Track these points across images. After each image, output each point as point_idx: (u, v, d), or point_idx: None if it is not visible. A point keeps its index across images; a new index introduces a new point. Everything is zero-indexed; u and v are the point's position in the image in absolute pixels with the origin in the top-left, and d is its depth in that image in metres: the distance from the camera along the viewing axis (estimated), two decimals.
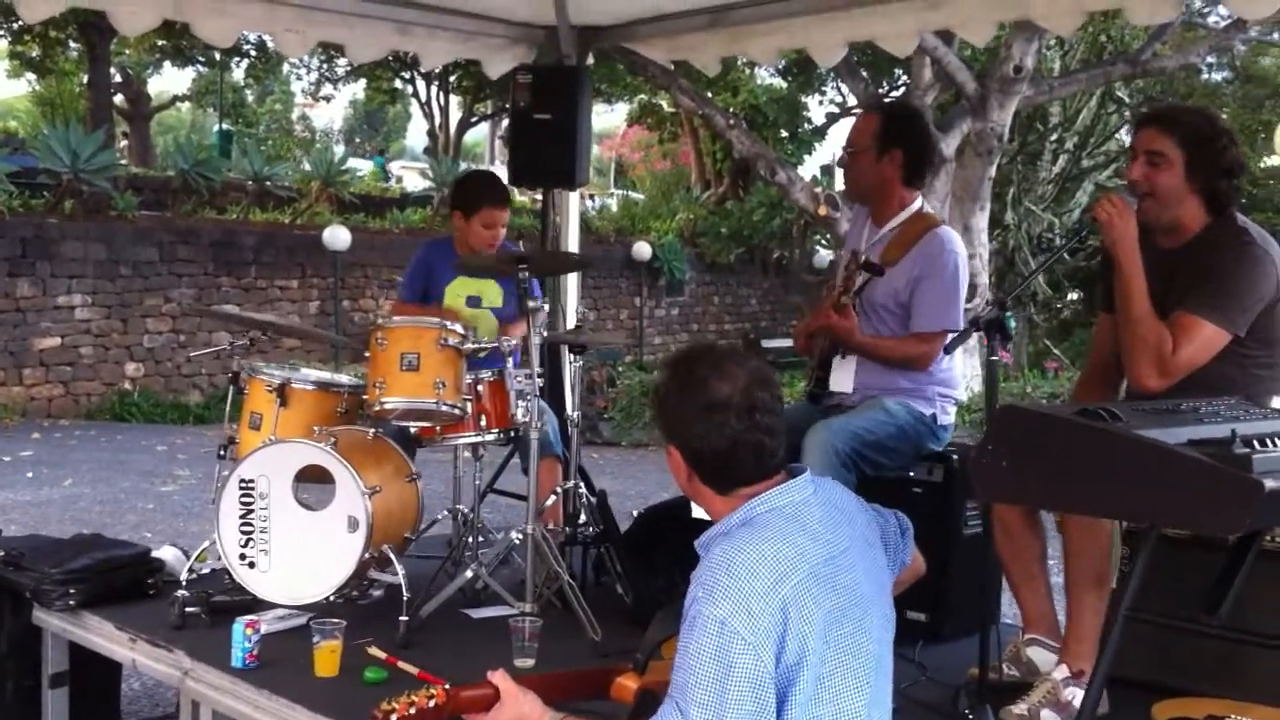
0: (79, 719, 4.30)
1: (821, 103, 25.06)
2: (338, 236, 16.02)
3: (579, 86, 5.84)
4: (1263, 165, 21.18)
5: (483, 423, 4.37)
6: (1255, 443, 2.10)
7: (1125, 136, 19.60)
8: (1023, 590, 3.71)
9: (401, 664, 3.42)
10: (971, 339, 3.75)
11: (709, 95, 17.27)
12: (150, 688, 4.93)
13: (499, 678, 2.55)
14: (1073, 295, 20.51)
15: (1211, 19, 17.16)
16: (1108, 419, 2.13)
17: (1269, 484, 1.94)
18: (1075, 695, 3.36)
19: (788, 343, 17.09)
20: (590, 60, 6.22)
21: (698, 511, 2.86)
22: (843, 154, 4.37)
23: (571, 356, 4.70)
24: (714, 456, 2.38)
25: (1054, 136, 18.17)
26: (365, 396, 4.26)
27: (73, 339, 14.26)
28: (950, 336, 4.06)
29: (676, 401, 2.43)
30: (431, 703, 2.51)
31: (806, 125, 23.69)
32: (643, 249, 19.32)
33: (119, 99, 24.46)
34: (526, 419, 4.24)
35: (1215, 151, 3.40)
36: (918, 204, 4.27)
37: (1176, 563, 2.91)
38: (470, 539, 4.48)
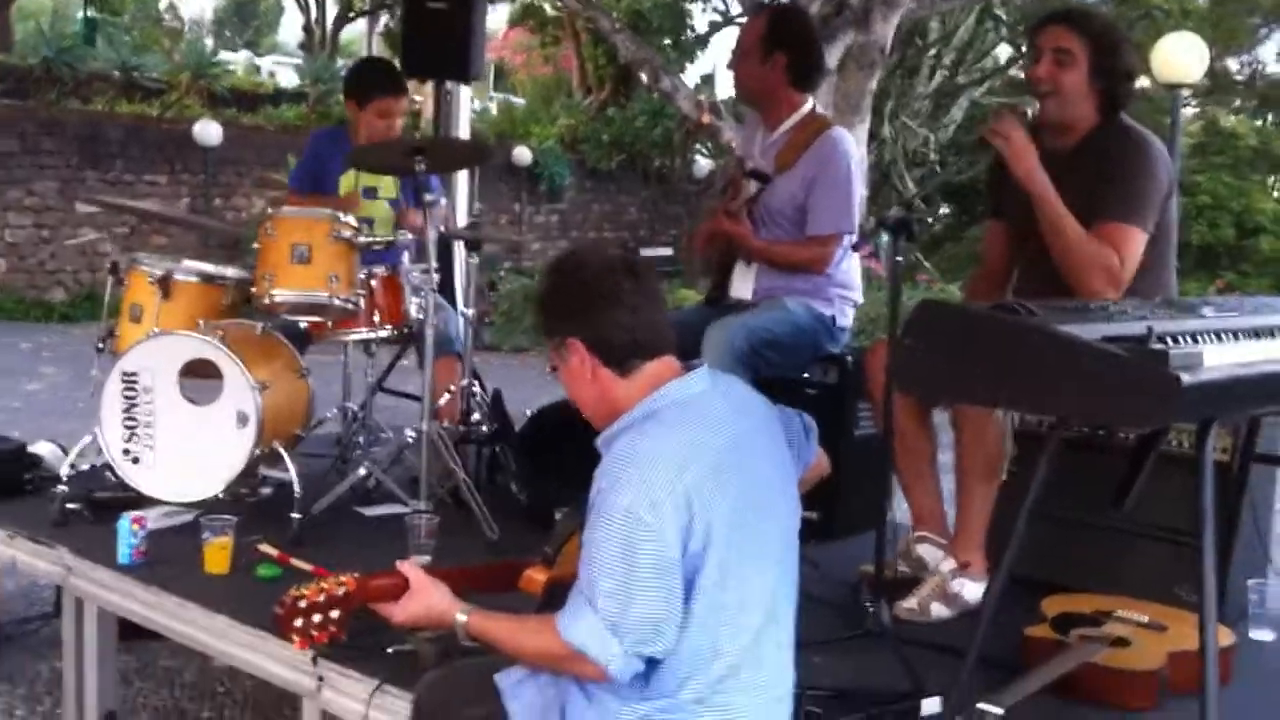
0: None
1: (705, 10, 24.79)
2: (209, 131, 15.47)
3: None
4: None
5: (376, 319, 4.29)
6: (1170, 339, 2.14)
7: (1002, 53, 19.86)
8: (913, 489, 3.77)
9: (295, 561, 3.40)
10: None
11: None
12: (26, 588, 4.78)
13: (408, 568, 2.54)
14: (944, 210, 20.82)
15: None
16: (1024, 314, 2.15)
17: (1185, 379, 1.97)
18: (963, 586, 3.47)
19: (667, 251, 17.20)
20: None
21: None
22: (730, 57, 4.35)
23: (466, 253, 4.63)
24: (616, 328, 2.37)
25: (932, 52, 18.29)
26: (253, 289, 4.14)
27: None
28: (846, 238, 4.09)
29: (569, 289, 2.43)
30: (341, 590, 2.49)
31: (690, 33, 23.46)
32: (523, 154, 19.07)
33: None
34: (421, 315, 4.16)
35: (1120, 53, 3.46)
36: (808, 106, 4.27)
37: (1071, 464, 2.96)
38: (361, 437, 4.41)
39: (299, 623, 2.45)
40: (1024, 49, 18.39)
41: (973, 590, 3.47)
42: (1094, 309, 2.40)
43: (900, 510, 3.86)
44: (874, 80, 14.10)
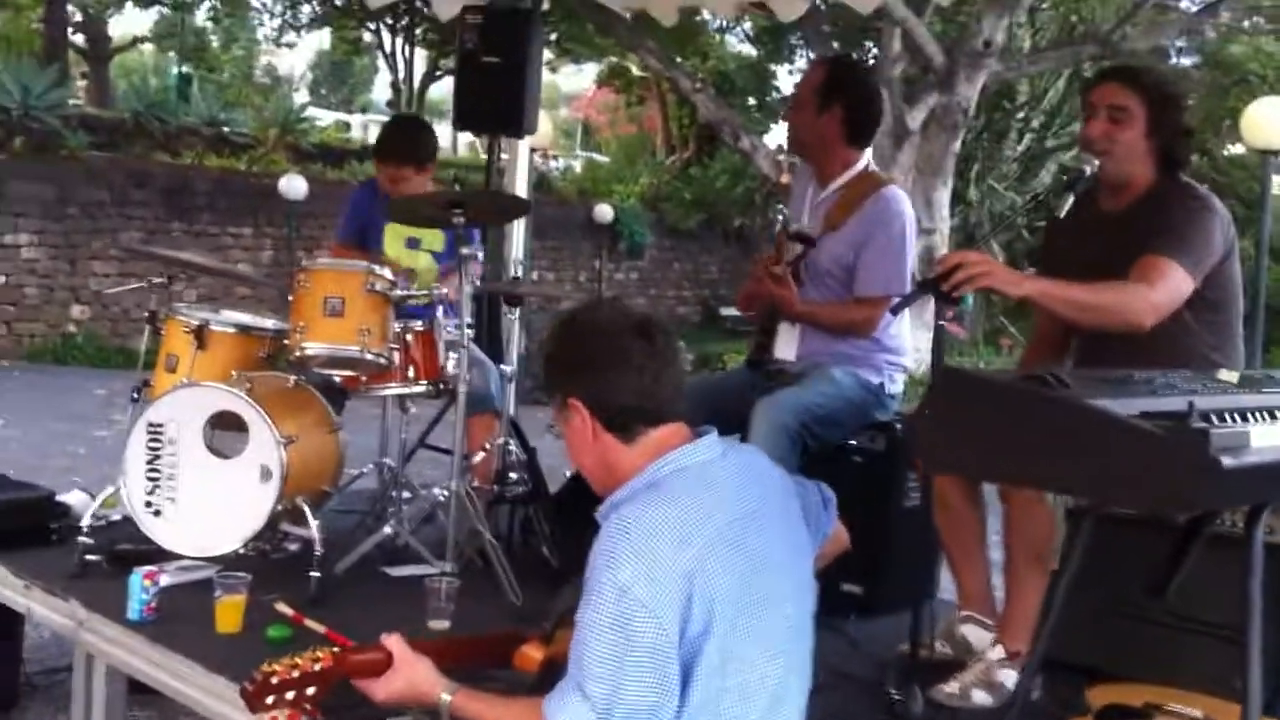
0: None
1: (791, 72, 24.83)
2: (294, 185, 15.55)
3: (531, 30, 5.61)
4: (1227, 153, 21.17)
5: (411, 374, 4.18)
6: (1214, 417, 1.94)
7: None
8: (960, 566, 3.58)
9: (308, 622, 3.28)
10: (928, 308, 3.58)
11: (677, 59, 17.06)
12: (61, 636, 4.71)
13: (392, 642, 2.40)
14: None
15: (1183, 2, 17.09)
16: (1054, 385, 1.96)
17: (1227, 461, 1.78)
18: (1009, 677, 3.25)
19: (735, 311, 17.00)
20: (545, 4, 5.99)
21: None
22: (786, 108, 4.22)
23: (507, 309, 4.52)
24: (620, 391, 2.24)
25: (1020, 114, 18.08)
26: (286, 341, 4.06)
27: (17, 278, 13.87)
28: (895, 300, 3.91)
29: (574, 346, 2.31)
30: (316, 666, 2.34)
31: (774, 94, 23.49)
32: (604, 211, 18.98)
33: (79, 39, 23.94)
34: (458, 371, 4.05)
35: (1177, 110, 3.32)
36: (863, 163, 4.11)
37: (1122, 543, 2.76)
38: (395, 494, 4.30)
39: (270, 699, 2.31)
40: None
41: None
42: (1137, 380, 2.20)
43: (950, 588, 3.67)
44: (957, 142, 13.97)
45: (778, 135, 23.65)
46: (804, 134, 4.12)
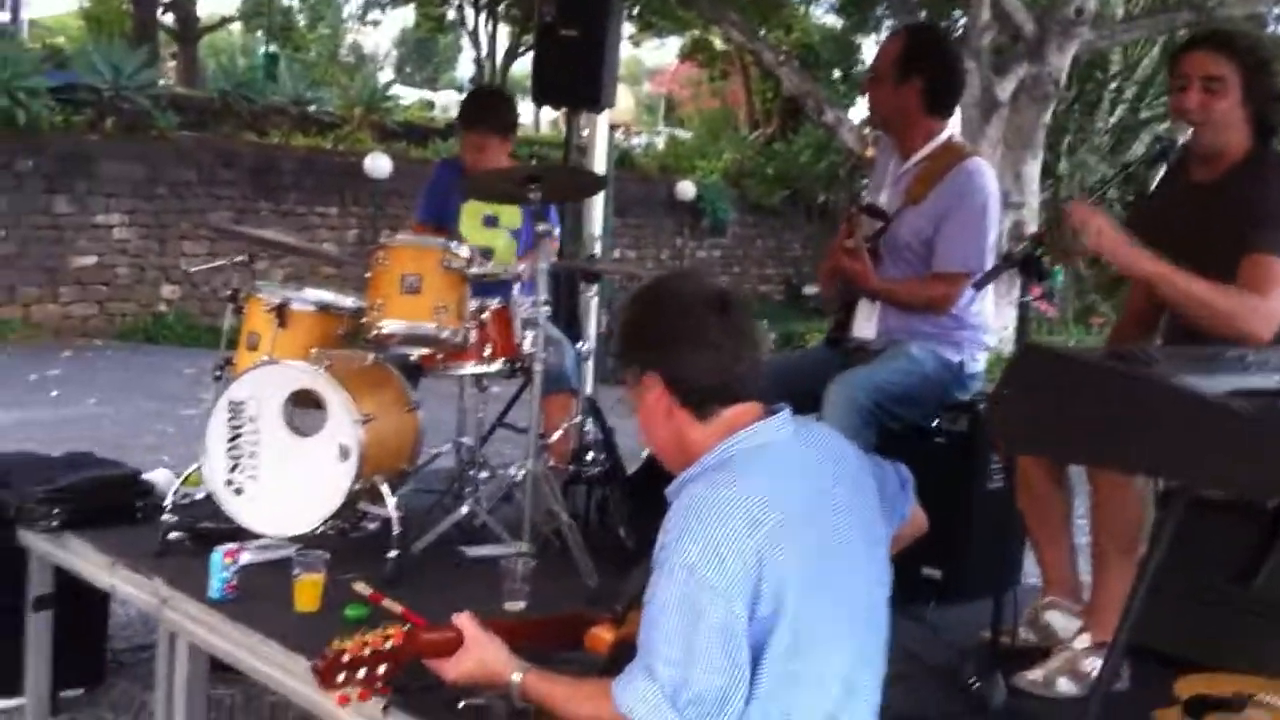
0: (64, 642, 4.17)
1: (877, 43, 24.50)
2: (379, 164, 15.73)
3: (609, 2, 5.56)
4: None
5: (487, 352, 4.16)
6: None
7: None
8: (1045, 550, 3.50)
9: (386, 601, 3.27)
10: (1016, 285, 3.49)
11: (760, 32, 16.90)
12: (145, 614, 4.79)
13: (464, 621, 2.39)
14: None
15: None
16: (1140, 362, 1.89)
17: None
18: (1096, 666, 3.14)
19: (816, 289, 16.84)
20: None
21: None
22: (864, 79, 4.13)
23: (584, 286, 4.50)
24: (698, 369, 2.19)
25: (1113, 85, 17.66)
26: (364, 319, 4.07)
27: (110, 258, 14.13)
28: (976, 276, 3.82)
29: (653, 320, 2.26)
30: (388, 644, 2.34)
31: (859, 66, 23.18)
32: (686, 188, 18.96)
33: (168, 19, 24.26)
34: (534, 350, 4.04)
35: (1270, 75, 3.20)
36: (945, 134, 4.00)
37: (1212, 528, 2.66)
38: (472, 473, 4.30)
39: (341, 677, 2.31)
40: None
41: None
42: (1229, 358, 2.12)
43: (1033, 573, 3.58)
44: (1048, 113, 13.68)
45: (863, 108, 23.38)
46: (883, 107, 4.03)
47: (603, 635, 2.49)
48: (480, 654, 2.35)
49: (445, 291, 3.99)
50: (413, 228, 5.13)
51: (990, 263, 3.81)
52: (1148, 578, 2.18)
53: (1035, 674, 3.18)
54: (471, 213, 4.83)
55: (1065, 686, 3.15)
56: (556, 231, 4.17)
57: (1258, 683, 2.84)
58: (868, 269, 3.88)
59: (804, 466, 2.20)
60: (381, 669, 2.33)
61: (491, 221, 4.83)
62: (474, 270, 4.05)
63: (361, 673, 2.31)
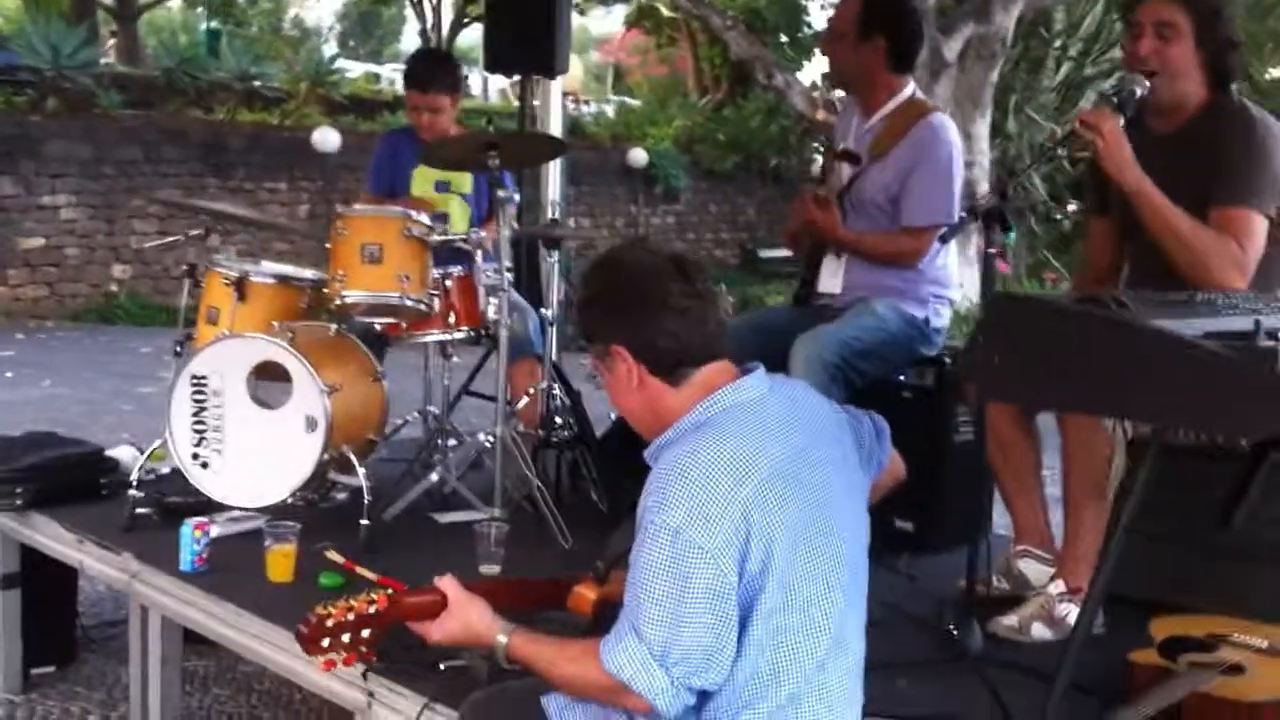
0: (33, 620, 4.14)
1: (822, 6, 24.42)
2: (327, 138, 15.32)
3: None
4: (1268, 76, 20.72)
5: (451, 320, 4.15)
6: None
7: None
8: (1015, 500, 3.54)
9: (360, 569, 3.27)
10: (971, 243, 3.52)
11: None
12: (116, 590, 4.75)
13: (446, 583, 2.37)
14: (1073, 206, 20.15)
15: None
16: (1113, 306, 1.90)
17: None
18: (1070, 612, 3.20)
19: (786, 252, 16.92)
20: None
21: None
22: (824, 39, 4.13)
23: (546, 252, 4.48)
24: (665, 334, 2.18)
25: (1057, 43, 17.73)
26: (325, 290, 4.04)
27: (58, 239, 13.92)
28: (943, 230, 3.84)
29: (613, 292, 2.25)
30: (372, 608, 2.33)
31: (806, 30, 23.16)
32: (638, 156, 18.69)
33: None
34: (498, 316, 4.02)
35: (1223, 21, 3.22)
36: (908, 90, 4.02)
37: (1181, 474, 2.68)
38: (440, 441, 4.29)
39: (325, 642, 2.30)
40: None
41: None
42: (1200, 301, 2.14)
43: (1003, 523, 3.62)
44: (995, 72, 13.72)
45: (811, 71, 23.40)
46: (846, 65, 4.03)
47: (586, 594, 2.49)
48: (464, 616, 2.34)
49: (407, 260, 3.97)
50: (363, 200, 5.09)
51: (956, 216, 3.83)
52: (1124, 523, 2.20)
53: (1010, 620, 3.22)
54: (423, 178, 4.80)
55: (1040, 631, 3.19)
56: (517, 198, 4.15)
57: (1231, 623, 2.89)
58: (836, 220, 3.90)
59: (783, 423, 2.19)
60: (366, 633, 2.33)
61: (443, 187, 4.79)
62: (436, 238, 4.03)
63: (346, 637, 2.31)
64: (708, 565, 2.00)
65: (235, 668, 4.27)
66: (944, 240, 3.48)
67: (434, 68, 4.96)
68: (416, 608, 2.36)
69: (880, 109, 4.00)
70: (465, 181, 4.79)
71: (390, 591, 2.39)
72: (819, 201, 3.92)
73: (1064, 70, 18.01)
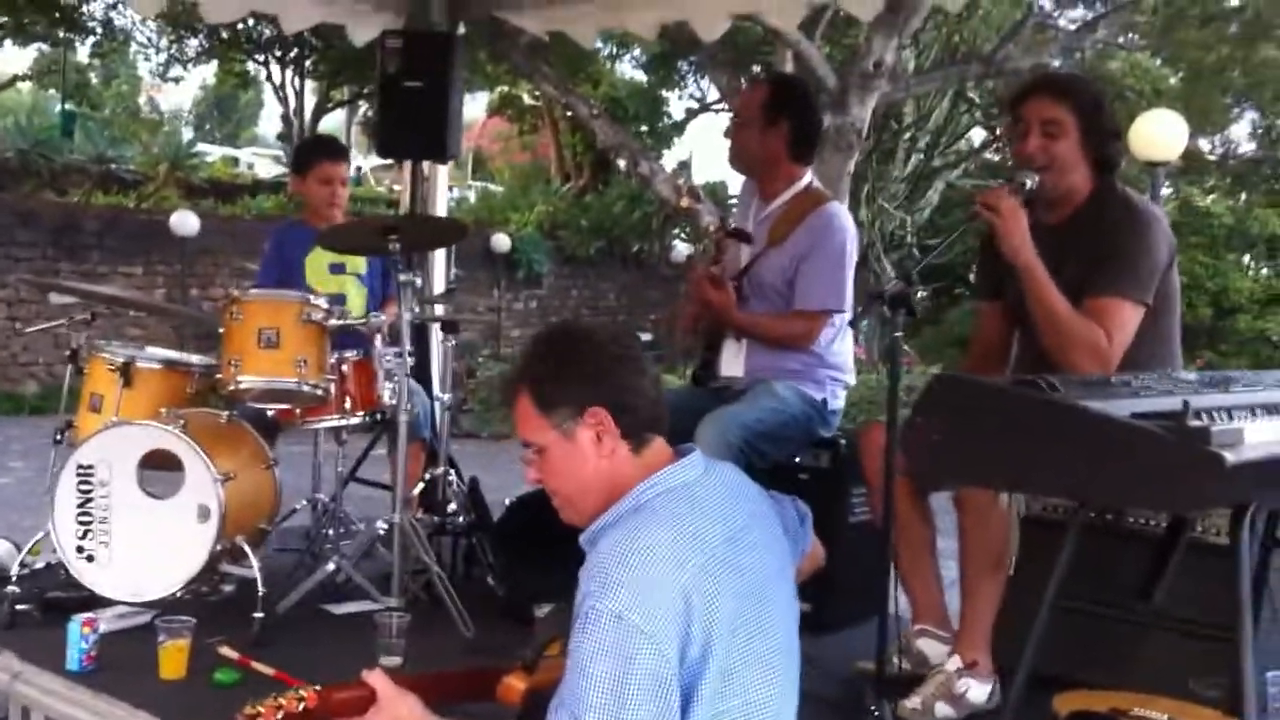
0: None
1: (681, 98, 24.98)
2: (186, 222, 15.30)
3: (452, 53, 5.52)
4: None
5: (347, 405, 4.09)
6: (1208, 415, 1.96)
7: (975, 136, 19.94)
8: (912, 580, 3.57)
9: (256, 664, 3.19)
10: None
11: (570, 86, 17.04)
12: None
13: (376, 678, 2.31)
14: (922, 293, 20.72)
15: (1061, 21, 17.56)
16: (1046, 389, 1.96)
17: (1229, 458, 1.79)
18: (968, 687, 3.26)
19: (646, 336, 17.04)
20: (461, 29, 5.90)
21: None
22: (729, 124, 4.21)
23: (441, 336, 4.45)
24: (640, 394, 2.20)
25: (907, 135, 18.33)
26: (219, 375, 3.95)
27: None
28: (836, 316, 3.93)
29: (587, 353, 2.22)
30: (300, 706, 2.26)
31: (666, 120, 23.60)
32: (501, 241, 18.97)
33: None
34: (394, 401, 3.97)
35: (1104, 112, 3.34)
36: (806, 179, 4.12)
37: (1089, 552, 2.76)
38: (330, 530, 4.20)
39: None
40: (998, 130, 18.48)
41: (978, 691, 3.27)
42: (1116, 384, 2.22)
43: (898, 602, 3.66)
44: (852, 162, 14.08)
45: (670, 161, 23.80)
46: (750, 151, 4.10)
47: (515, 685, 2.45)
48: (394, 712, 2.27)
49: (304, 345, 3.91)
50: None
51: (849, 301, 3.92)
52: (1049, 599, 2.25)
53: (914, 701, 3.24)
54: (317, 261, 4.74)
55: (943, 711, 3.22)
56: (419, 282, 4.12)
57: (1132, 698, 2.96)
58: (731, 301, 3.95)
59: (719, 506, 2.19)
60: None
61: (338, 269, 4.74)
62: (334, 322, 3.98)
63: None
64: (651, 649, 1.98)
65: None
66: (853, 324, 3.54)
67: (332, 143, 5.11)
68: (346, 704, 2.29)
69: (779, 196, 4.09)
70: (360, 263, 4.75)
71: (318, 688, 2.32)
72: (714, 281, 3.97)
73: (913, 162, 18.59)
